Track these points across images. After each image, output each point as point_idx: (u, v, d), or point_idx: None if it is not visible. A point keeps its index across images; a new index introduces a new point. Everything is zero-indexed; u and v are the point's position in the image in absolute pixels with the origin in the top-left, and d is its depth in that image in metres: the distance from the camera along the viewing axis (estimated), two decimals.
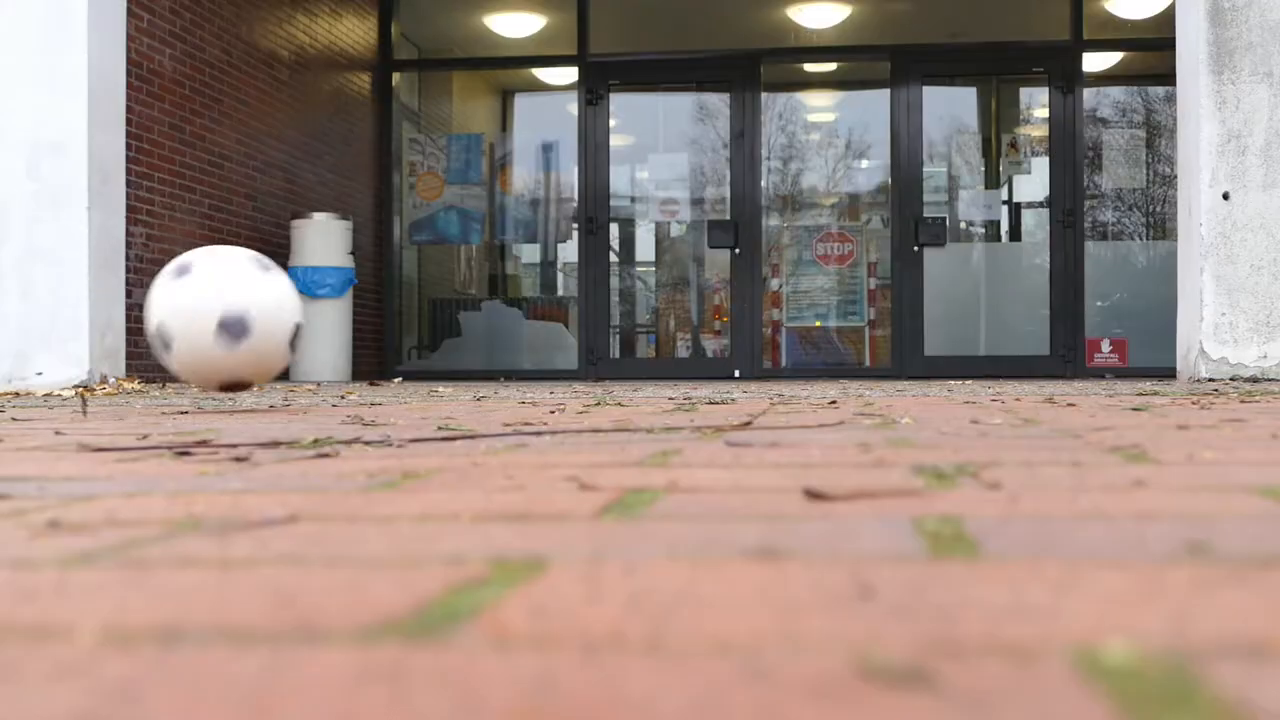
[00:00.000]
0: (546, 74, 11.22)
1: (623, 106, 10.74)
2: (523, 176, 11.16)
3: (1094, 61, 10.30)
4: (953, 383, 6.63)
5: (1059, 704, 0.52)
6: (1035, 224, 10.61)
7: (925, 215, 10.03)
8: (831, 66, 11.24)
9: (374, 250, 10.19)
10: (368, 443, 2.08)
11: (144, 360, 7.05)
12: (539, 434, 2.29)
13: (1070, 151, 9.94)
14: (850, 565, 0.86)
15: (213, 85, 7.87)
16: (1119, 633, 0.65)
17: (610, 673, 0.58)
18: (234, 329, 2.90)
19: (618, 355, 10.69)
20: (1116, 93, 10.73)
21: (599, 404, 3.81)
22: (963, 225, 10.62)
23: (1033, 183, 10.55)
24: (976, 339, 10.12)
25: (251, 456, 1.83)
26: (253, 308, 2.93)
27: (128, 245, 6.71)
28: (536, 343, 10.84)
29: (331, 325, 8.41)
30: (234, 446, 2.03)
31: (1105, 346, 9.89)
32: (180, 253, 7.84)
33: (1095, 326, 9.93)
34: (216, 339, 2.91)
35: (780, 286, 10.68)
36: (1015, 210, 10.80)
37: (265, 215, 8.54)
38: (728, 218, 10.26)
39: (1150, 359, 9.17)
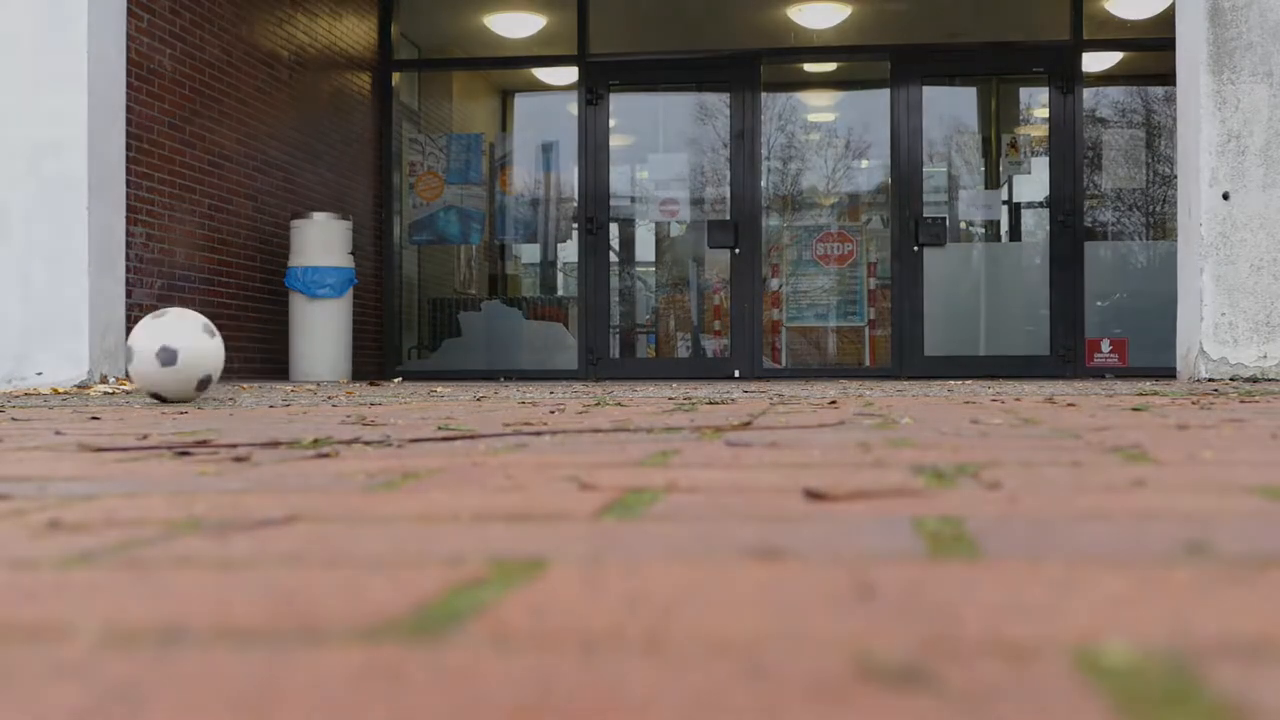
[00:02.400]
0: (546, 74, 11.21)
1: (623, 106, 10.73)
2: (523, 176, 11.15)
3: (1094, 61, 10.30)
4: (953, 383, 6.62)
5: (1059, 704, 0.52)
6: (1035, 224, 10.60)
7: (925, 215, 10.02)
8: (831, 66, 11.24)
9: (374, 250, 10.18)
10: (368, 443, 2.08)
11: None
12: (539, 434, 2.29)
13: (1070, 151, 9.93)
14: (850, 565, 0.86)
15: (213, 85, 7.87)
16: (1119, 633, 0.65)
17: (609, 673, 0.58)
18: (165, 357, 4.00)
19: (618, 355, 10.68)
20: (1116, 93, 10.72)
21: (599, 404, 3.81)
22: (963, 225, 10.62)
23: (1033, 183, 10.55)
24: (976, 339, 10.11)
25: (251, 456, 1.82)
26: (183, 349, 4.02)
27: (128, 245, 6.70)
28: (536, 343, 10.83)
29: (331, 325, 8.41)
30: (234, 446, 2.02)
31: (1105, 346, 9.88)
32: (180, 252, 7.78)
33: (1095, 326, 9.92)
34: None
35: (780, 286, 10.68)
36: (1015, 210, 10.80)
37: (265, 215, 8.53)
38: (728, 218, 10.26)
39: (1150, 359, 9.17)
